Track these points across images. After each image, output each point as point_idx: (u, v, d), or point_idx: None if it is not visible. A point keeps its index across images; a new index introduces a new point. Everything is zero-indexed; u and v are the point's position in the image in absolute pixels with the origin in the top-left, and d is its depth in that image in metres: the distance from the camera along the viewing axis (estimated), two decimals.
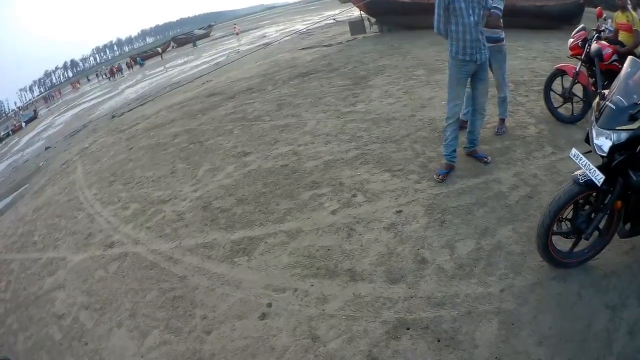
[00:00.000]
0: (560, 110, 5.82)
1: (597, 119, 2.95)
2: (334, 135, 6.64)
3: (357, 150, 5.95)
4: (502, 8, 5.15)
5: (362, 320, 3.27)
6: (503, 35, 5.46)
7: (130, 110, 16.13)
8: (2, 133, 41.91)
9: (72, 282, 5.12)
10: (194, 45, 50.42)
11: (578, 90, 5.63)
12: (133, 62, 53.44)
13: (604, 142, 2.87)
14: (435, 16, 4.53)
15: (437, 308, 3.21)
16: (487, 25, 4.92)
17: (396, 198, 4.65)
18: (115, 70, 53.39)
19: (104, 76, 56.57)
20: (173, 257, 4.76)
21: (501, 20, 5.28)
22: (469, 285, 3.34)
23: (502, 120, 5.79)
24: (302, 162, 6.04)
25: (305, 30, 25.21)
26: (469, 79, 4.74)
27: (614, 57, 5.38)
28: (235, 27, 48.79)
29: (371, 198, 4.77)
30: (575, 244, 3.29)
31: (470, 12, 4.39)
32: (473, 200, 4.33)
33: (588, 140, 3.05)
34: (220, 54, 29.20)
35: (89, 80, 73.24)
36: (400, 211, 4.42)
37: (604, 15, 6.84)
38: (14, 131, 41.09)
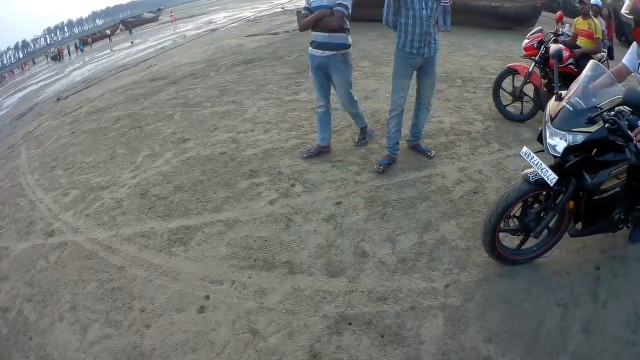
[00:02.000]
0: (509, 108, 5.80)
1: (552, 119, 2.77)
2: (275, 124, 6.30)
3: (297, 139, 5.66)
4: (349, 5, 4.37)
5: (302, 315, 3.06)
6: (349, 40, 4.59)
7: (75, 93, 14.99)
8: None
9: (15, 273, 4.61)
10: (130, 32, 47.98)
11: (529, 90, 5.60)
12: (75, 46, 50.57)
13: (558, 143, 2.71)
14: (385, 7, 4.25)
15: (379, 303, 3.03)
16: (327, 27, 4.39)
17: (336, 189, 4.43)
18: (61, 53, 50.32)
19: (48, 60, 53.05)
20: (111, 247, 4.34)
21: (347, 22, 4.46)
22: (412, 280, 3.17)
23: (362, 129, 5.32)
24: (241, 150, 5.69)
25: (252, 17, 24.41)
26: (414, 72, 4.50)
27: (570, 60, 5.35)
28: (172, 15, 47.09)
29: (310, 188, 4.52)
30: (523, 242, 3.17)
31: (423, 4, 4.10)
32: (415, 194, 4.16)
33: (540, 139, 2.88)
34: (166, 39, 27.86)
35: (34, 62, 68.69)
36: (340, 202, 4.20)
37: (563, 20, 6.82)
38: None
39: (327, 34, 4.44)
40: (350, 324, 2.95)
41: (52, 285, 4.13)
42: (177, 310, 3.37)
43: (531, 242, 3.19)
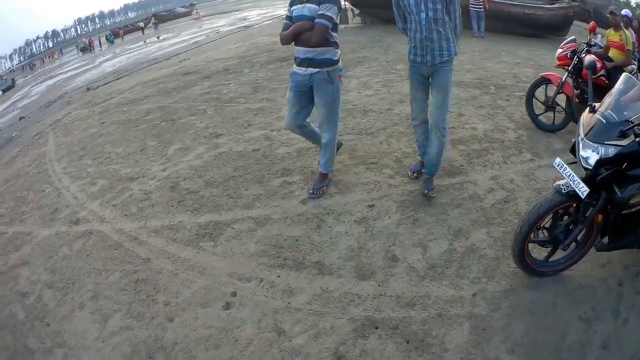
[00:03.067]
0: (542, 118, 5.82)
1: (585, 131, 2.84)
2: None
3: None
4: (333, 16, 3.99)
5: (329, 316, 3.12)
6: (336, 55, 4.23)
7: (105, 84, 15.53)
8: None
9: (36, 259, 4.80)
10: (156, 27, 49.06)
11: (561, 100, 5.62)
12: (99, 41, 52.06)
13: (590, 155, 2.78)
14: (395, 15, 4.19)
15: (406, 308, 3.08)
16: (309, 43, 4.02)
17: (369, 192, 4.48)
18: (92, 44, 51.90)
19: (78, 51, 54.72)
20: (138, 238, 4.49)
21: (333, 34, 4.13)
22: (441, 287, 3.21)
23: (323, 176, 4.65)
24: (274, 148, 5.80)
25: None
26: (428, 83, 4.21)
27: (602, 72, 5.34)
28: (197, 12, 48.18)
29: (343, 190, 4.59)
30: (551, 254, 3.22)
31: (422, 7, 3.82)
32: (447, 200, 4.21)
33: (573, 150, 2.96)
34: (199, 34, 28.49)
35: (62, 53, 70.98)
36: (373, 205, 4.26)
37: (596, 30, 6.83)
38: None
39: (309, 49, 4.08)
40: (376, 328, 3.00)
41: (75, 273, 4.30)
42: (202, 305, 3.47)
43: (559, 254, 3.22)
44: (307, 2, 4.03)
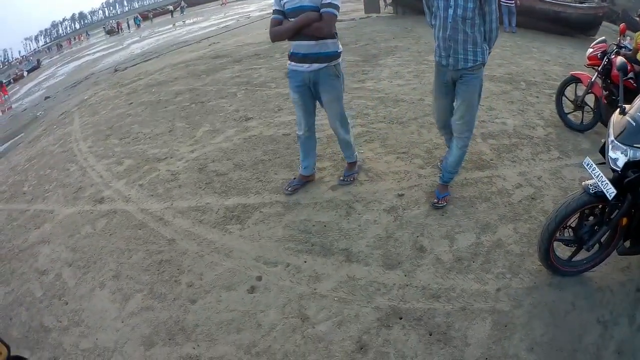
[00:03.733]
0: (570, 117, 5.88)
1: (615, 133, 2.85)
2: None
3: (363, 127, 5.77)
4: (339, 5, 3.76)
5: (354, 304, 3.14)
6: (339, 48, 4.02)
7: (134, 66, 15.86)
8: (4, 81, 41.68)
9: (57, 237, 4.90)
10: (182, 11, 49.62)
11: (590, 100, 5.64)
12: (127, 24, 53.06)
13: (619, 157, 2.79)
14: (424, 7, 3.93)
15: (431, 300, 3.10)
16: (320, 34, 3.76)
17: (399, 181, 4.49)
18: (120, 26, 52.94)
19: (105, 33, 55.90)
20: (163, 219, 4.54)
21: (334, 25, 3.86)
22: (466, 281, 3.23)
23: (351, 164, 4.67)
24: None
25: None
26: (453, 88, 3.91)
27: (630, 74, 5.30)
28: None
29: (373, 178, 4.60)
30: (575, 253, 3.25)
31: (451, 2, 3.47)
32: (476, 194, 4.22)
33: (603, 151, 2.97)
34: (229, 18, 28.75)
35: (89, 35, 72.52)
36: (402, 195, 4.26)
37: (626, 32, 6.80)
38: (15, 80, 40.78)
39: (313, 43, 3.83)
40: (400, 319, 3.02)
41: (97, 252, 4.37)
42: (226, 288, 3.50)
43: (582, 254, 3.23)
44: None
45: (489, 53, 3.72)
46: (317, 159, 4.92)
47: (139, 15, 55.56)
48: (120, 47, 30.25)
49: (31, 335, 3.59)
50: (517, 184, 4.37)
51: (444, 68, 3.77)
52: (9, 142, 12.22)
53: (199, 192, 4.82)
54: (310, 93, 4.11)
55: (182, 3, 59.41)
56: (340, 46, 4.01)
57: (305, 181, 4.62)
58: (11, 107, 23.21)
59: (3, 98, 31.42)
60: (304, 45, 3.86)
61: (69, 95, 14.75)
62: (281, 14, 3.85)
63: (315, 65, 3.90)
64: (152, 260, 3.99)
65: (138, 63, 16.30)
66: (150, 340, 3.20)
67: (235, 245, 3.92)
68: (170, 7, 56.86)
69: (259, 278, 3.52)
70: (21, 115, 17.22)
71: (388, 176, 4.61)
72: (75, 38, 75.28)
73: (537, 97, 6.73)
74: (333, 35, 3.87)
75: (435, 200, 4.08)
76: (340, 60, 4.02)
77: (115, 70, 16.10)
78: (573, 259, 3.27)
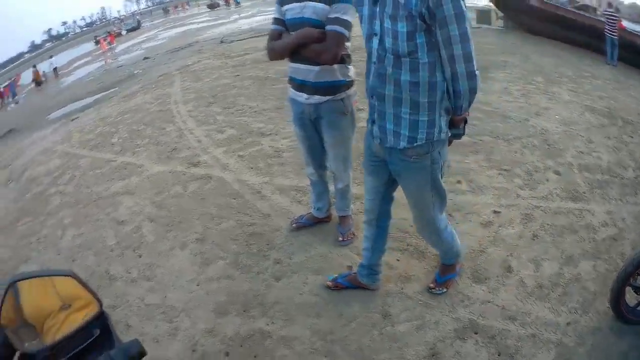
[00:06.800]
0: None
1: None
2: None
3: (470, 137, 5.93)
4: (350, 21, 3.13)
5: (436, 311, 3.34)
6: (350, 74, 3.43)
7: (241, 40, 16.76)
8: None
9: (143, 192, 5.46)
10: (237, 3, 51.10)
11: None
12: None
13: None
14: None
15: (508, 321, 3.27)
16: (320, 59, 3.18)
17: (498, 197, 4.69)
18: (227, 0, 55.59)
19: (223, 1, 58.71)
20: (261, 192, 4.95)
21: (347, 45, 3.25)
22: (542, 309, 3.38)
23: (345, 219, 4.18)
24: None
25: None
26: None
27: None
28: None
29: (475, 190, 4.82)
30: None
31: (376, 24, 2.47)
32: (566, 224, 4.34)
33: None
34: None
35: (189, 5, 76.56)
36: (499, 212, 4.46)
37: None
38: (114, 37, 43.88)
39: (314, 68, 3.28)
40: (476, 333, 3.18)
41: (184, 213, 4.84)
42: (315, 272, 3.77)
43: None
44: None
45: (461, 112, 2.57)
46: None
47: None
48: (227, 20, 31.88)
49: (93, 280, 4.02)
50: (604, 221, 4.46)
51: (372, 139, 2.81)
52: (101, 94, 13.34)
53: (301, 172, 5.12)
54: (314, 129, 3.67)
55: None
56: (352, 73, 3.45)
57: (317, 222, 4.33)
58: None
59: (109, 46, 34.78)
60: (302, 70, 3.36)
61: (169, 59, 15.83)
62: (282, 24, 3.37)
63: (316, 98, 3.40)
64: (242, 231, 4.37)
65: (245, 38, 17.23)
66: (223, 308, 3.52)
67: (332, 231, 4.21)
68: None
69: (350, 267, 3.76)
70: (115, 70, 18.64)
71: (489, 190, 4.81)
72: (179, 6, 79.86)
73: (632, 137, 6.72)
74: (341, 60, 3.27)
75: (432, 285, 3.49)
76: (351, 92, 3.48)
77: (221, 42, 17.14)
78: (638, 308, 3.32)
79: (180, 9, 79.25)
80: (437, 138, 2.54)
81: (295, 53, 3.24)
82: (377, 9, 2.39)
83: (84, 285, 1.56)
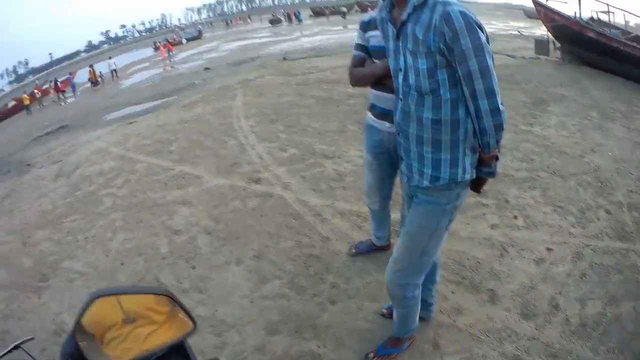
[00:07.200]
0: None
1: None
2: (509, 149, 6.66)
3: (527, 172, 6.00)
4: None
5: (484, 345, 3.37)
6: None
7: (304, 58, 17.04)
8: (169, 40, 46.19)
9: (201, 203, 5.59)
10: (343, 16, 51.30)
11: None
12: (294, 15, 55.98)
13: None
14: None
15: (550, 358, 3.27)
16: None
17: (551, 234, 4.69)
18: (290, 16, 56.43)
19: (284, 17, 59.81)
20: (321, 215, 5.02)
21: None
22: (583, 348, 3.39)
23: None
24: None
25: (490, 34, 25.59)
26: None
27: None
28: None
29: (530, 226, 4.82)
30: None
31: (401, 59, 2.47)
32: (612, 264, 4.32)
33: None
34: None
35: (250, 19, 78.25)
36: (552, 249, 4.45)
37: None
38: (173, 45, 45.05)
39: None
40: None
41: (242, 228, 4.94)
42: (370, 299, 3.82)
43: None
44: None
45: (489, 150, 2.44)
46: (482, 194, 5.12)
47: (298, 11, 58.68)
48: (289, 37, 32.39)
49: (143, 285, 4.14)
50: None
51: (402, 176, 2.82)
52: (160, 101, 13.71)
53: (363, 198, 5.17)
54: (389, 159, 3.55)
55: (356, 7, 61.65)
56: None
57: (376, 249, 4.36)
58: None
59: (167, 54, 35.98)
60: (384, 99, 3.25)
61: (231, 72, 16.16)
62: (364, 51, 3.30)
63: None
64: (300, 252, 4.44)
65: (308, 57, 17.52)
66: (275, 327, 3.59)
67: (389, 260, 4.22)
68: (344, 9, 58.96)
69: None
70: (175, 78, 19.10)
71: (543, 227, 4.81)
72: (240, 19, 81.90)
73: None
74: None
75: (371, 355, 3.27)
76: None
77: (284, 59, 17.43)
78: None
79: (241, 22, 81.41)
80: (462, 179, 2.49)
81: (378, 82, 3.18)
82: (400, 44, 2.40)
83: (181, 305, 1.57)
